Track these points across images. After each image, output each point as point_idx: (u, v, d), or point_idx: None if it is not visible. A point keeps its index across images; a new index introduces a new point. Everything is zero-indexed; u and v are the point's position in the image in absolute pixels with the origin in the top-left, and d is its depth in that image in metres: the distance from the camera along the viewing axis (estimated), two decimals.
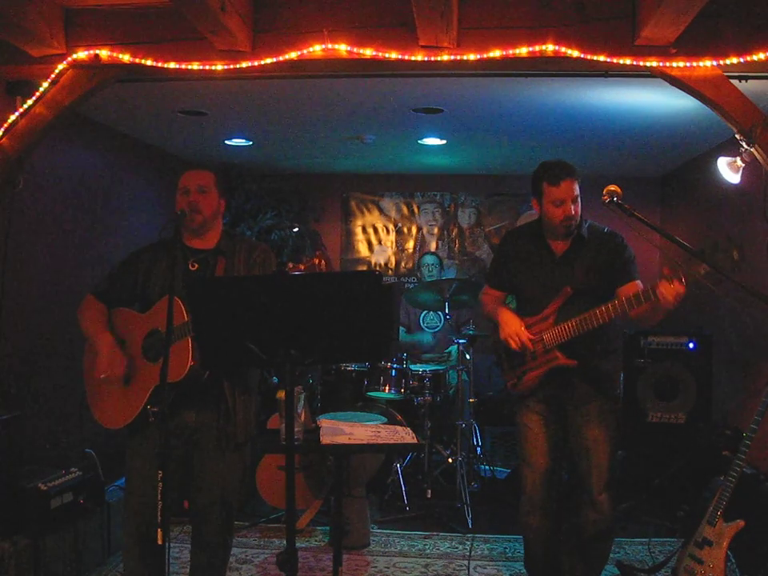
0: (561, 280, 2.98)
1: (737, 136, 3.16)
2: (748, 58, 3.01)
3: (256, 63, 3.19)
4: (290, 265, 2.27)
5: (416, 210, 7.20)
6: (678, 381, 4.74)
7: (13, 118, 3.34)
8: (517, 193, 6.95)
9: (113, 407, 2.77)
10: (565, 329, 2.92)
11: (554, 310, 2.96)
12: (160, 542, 2.24)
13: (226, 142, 5.63)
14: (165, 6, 3.17)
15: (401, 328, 5.74)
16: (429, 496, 4.71)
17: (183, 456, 2.77)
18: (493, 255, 3.19)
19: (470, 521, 4.43)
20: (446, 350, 5.61)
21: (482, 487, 4.98)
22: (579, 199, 2.94)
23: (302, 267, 2.22)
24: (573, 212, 2.90)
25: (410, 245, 7.21)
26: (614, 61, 3.06)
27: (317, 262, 2.26)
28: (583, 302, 2.91)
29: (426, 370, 4.99)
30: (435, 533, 4.35)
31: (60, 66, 3.27)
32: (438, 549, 4.14)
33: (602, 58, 3.06)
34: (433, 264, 5.88)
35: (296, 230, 6.44)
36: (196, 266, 2.79)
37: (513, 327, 3.00)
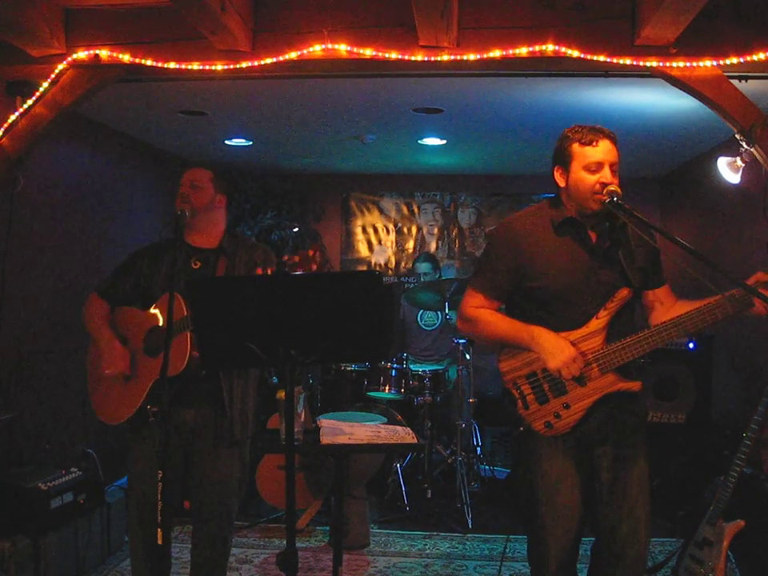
0: (608, 283, 2.34)
1: (737, 136, 3.16)
2: (748, 58, 3.01)
3: (256, 63, 3.19)
4: (285, 257, 2.27)
5: (416, 209, 7.19)
6: (677, 381, 4.74)
7: (13, 118, 3.34)
8: (517, 193, 6.95)
9: (112, 402, 2.80)
10: (632, 345, 2.28)
11: (607, 323, 2.31)
12: (160, 542, 2.24)
13: (226, 141, 5.62)
14: (165, 6, 3.17)
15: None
16: (429, 496, 4.72)
17: (183, 455, 2.78)
18: (489, 256, 2.47)
19: (470, 521, 4.43)
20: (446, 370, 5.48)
21: (482, 487, 4.97)
22: (618, 173, 2.34)
23: (297, 259, 2.22)
24: (612, 181, 2.29)
25: (410, 245, 7.20)
26: (614, 61, 3.06)
27: (311, 254, 2.25)
28: (632, 309, 2.38)
29: (425, 370, 4.99)
30: (435, 533, 4.35)
31: (60, 66, 3.27)
32: (437, 549, 4.13)
33: (602, 58, 3.06)
34: (425, 273, 5.76)
35: (296, 229, 6.45)
36: (198, 263, 2.84)
37: (568, 352, 2.25)
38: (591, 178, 2.29)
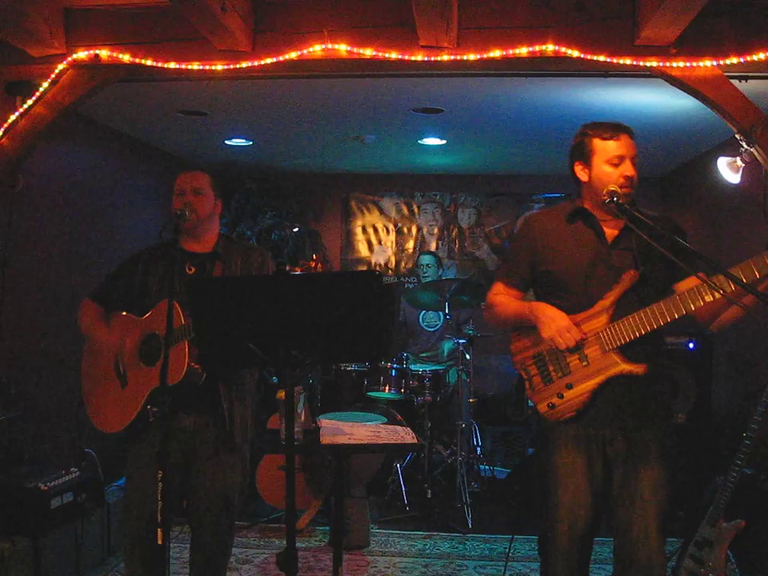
0: (618, 268, 2.36)
1: (737, 136, 3.16)
2: (748, 58, 3.01)
3: (256, 63, 3.19)
4: (287, 267, 2.27)
5: (416, 210, 7.19)
6: (678, 381, 4.74)
7: (13, 117, 3.34)
8: (517, 193, 6.95)
9: (109, 411, 2.77)
10: (633, 323, 2.27)
11: (612, 303, 2.32)
12: (160, 542, 2.24)
13: (226, 141, 5.63)
14: (165, 6, 3.17)
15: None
16: (429, 496, 4.71)
17: (182, 459, 2.76)
18: (510, 248, 2.68)
19: (470, 521, 4.43)
20: (439, 348, 5.60)
21: (482, 487, 4.98)
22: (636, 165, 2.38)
23: (298, 270, 2.21)
24: (634, 173, 2.35)
25: (410, 245, 7.21)
26: (614, 61, 3.06)
27: (312, 265, 2.26)
28: (643, 296, 2.34)
29: (426, 370, 4.99)
30: (435, 533, 4.35)
31: (60, 66, 3.27)
32: (437, 549, 4.13)
33: (601, 58, 3.06)
34: (428, 264, 5.82)
35: (296, 230, 6.45)
36: (193, 269, 2.78)
37: (561, 322, 2.31)
38: (615, 172, 2.35)
